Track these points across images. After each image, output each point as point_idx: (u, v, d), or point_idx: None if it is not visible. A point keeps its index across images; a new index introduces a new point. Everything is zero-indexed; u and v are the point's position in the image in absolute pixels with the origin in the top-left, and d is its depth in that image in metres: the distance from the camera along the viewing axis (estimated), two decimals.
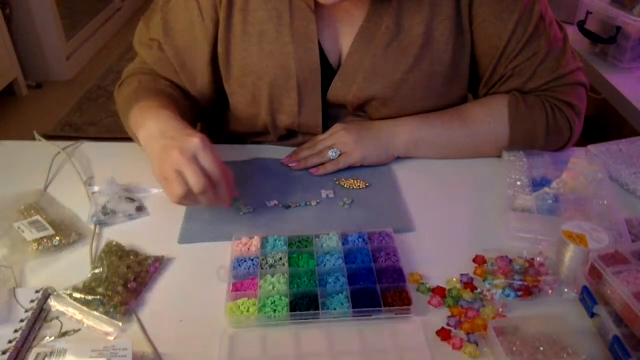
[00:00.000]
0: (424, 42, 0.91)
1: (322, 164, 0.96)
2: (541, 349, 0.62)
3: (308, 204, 0.89)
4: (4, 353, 0.64)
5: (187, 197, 0.77)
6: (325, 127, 1.01)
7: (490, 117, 0.96)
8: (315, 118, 0.99)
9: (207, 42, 0.95)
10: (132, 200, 0.89)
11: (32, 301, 0.71)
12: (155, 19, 0.97)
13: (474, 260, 0.78)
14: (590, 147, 0.99)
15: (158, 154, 0.79)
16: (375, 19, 0.91)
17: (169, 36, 0.96)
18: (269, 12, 0.91)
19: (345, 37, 0.94)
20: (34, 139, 1.08)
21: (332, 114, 1.01)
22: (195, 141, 0.77)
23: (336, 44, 0.95)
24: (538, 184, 0.89)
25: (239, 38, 0.94)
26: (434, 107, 0.99)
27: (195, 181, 0.75)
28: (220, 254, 0.79)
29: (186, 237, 0.83)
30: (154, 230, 0.85)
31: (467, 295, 0.72)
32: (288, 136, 1.05)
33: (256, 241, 0.80)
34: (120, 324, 0.69)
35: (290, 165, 0.97)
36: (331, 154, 0.95)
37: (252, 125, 1.04)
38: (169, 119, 0.84)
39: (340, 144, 0.95)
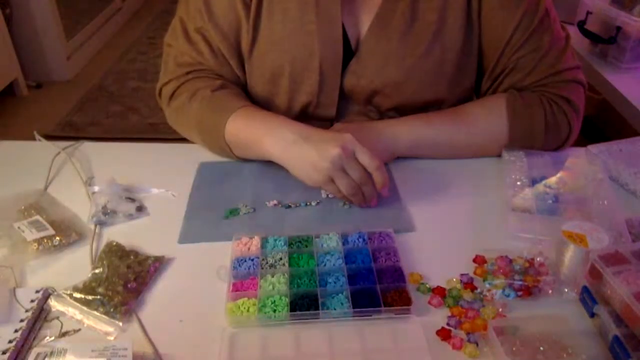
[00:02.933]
0: (437, 28, 0.93)
1: None
2: (541, 349, 0.62)
3: (308, 204, 0.89)
4: (4, 353, 0.64)
5: (353, 190, 0.82)
6: (337, 114, 1.01)
7: (489, 115, 0.97)
8: (332, 97, 0.99)
9: (246, 21, 0.94)
10: (132, 200, 0.89)
11: (32, 301, 0.71)
12: (192, 9, 0.96)
13: (474, 260, 0.78)
14: (590, 147, 0.99)
15: (313, 157, 0.81)
16: (391, 5, 0.93)
17: (213, 20, 0.95)
18: None
19: (363, 22, 0.96)
20: (34, 139, 1.08)
21: (340, 106, 1.01)
22: (349, 137, 0.81)
23: (356, 28, 0.97)
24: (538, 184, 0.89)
25: (265, 15, 0.94)
26: (441, 95, 1.00)
27: (358, 176, 0.81)
28: (220, 254, 0.79)
29: (186, 237, 0.83)
30: (154, 230, 0.85)
31: (467, 295, 0.72)
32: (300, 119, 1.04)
33: (256, 241, 0.80)
34: (120, 323, 0.69)
35: None
36: None
37: (267, 106, 1.01)
38: (293, 122, 0.87)
39: None
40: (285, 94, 0.99)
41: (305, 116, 1.03)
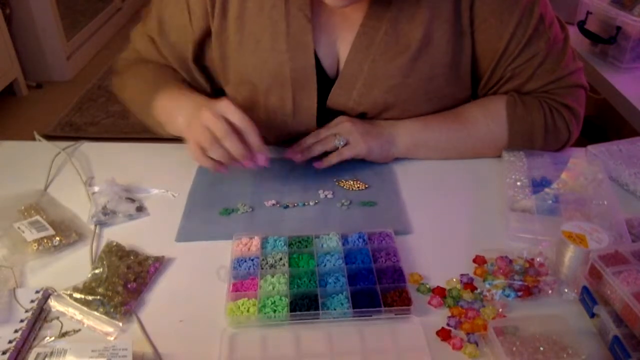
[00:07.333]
0: (423, 45, 0.90)
1: (326, 153, 0.94)
2: (541, 349, 0.62)
3: (306, 204, 0.89)
4: (4, 353, 0.64)
5: (212, 145, 0.81)
6: None
7: (489, 118, 0.96)
8: (310, 125, 0.97)
9: (192, 43, 0.96)
10: (132, 200, 0.89)
11: (32, 301, 0.71)
12: (151, 16, 0.99)
13: (474, 261, 0.78)
14: (590, 147, 0.99)
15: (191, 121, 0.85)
16: (373, 24, 0.90)
17: (164, 34, 0.98)
18: (265, 20, 0.91)
19: (342, 43, 0.94)
20: (34, 139, 1.08)
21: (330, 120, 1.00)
22: (222, 102, 0.83)
23: (333, 51, 0.95)
24: (538, 184, 0.89)
25: (235, 46, 0.94)
26: (437, 109, 0.98)
27: (219, 127, 0.80)
28: (220, 254, 0.79)
29: (184, 235, 0.83)
30: (154, 230, 0.85)
31: (467, 295, 0.72)
32: (287, 140, 1.04)
33: (256, 241, 0.80)
34: (120, 324, 0.69)
35: (294, 158, 0.96)
36: (337, 141, 0.94)
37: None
38: (200, 96, 0.92)
39: (345, 132, 0.94)
40: (264, 115, 0.99)
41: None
